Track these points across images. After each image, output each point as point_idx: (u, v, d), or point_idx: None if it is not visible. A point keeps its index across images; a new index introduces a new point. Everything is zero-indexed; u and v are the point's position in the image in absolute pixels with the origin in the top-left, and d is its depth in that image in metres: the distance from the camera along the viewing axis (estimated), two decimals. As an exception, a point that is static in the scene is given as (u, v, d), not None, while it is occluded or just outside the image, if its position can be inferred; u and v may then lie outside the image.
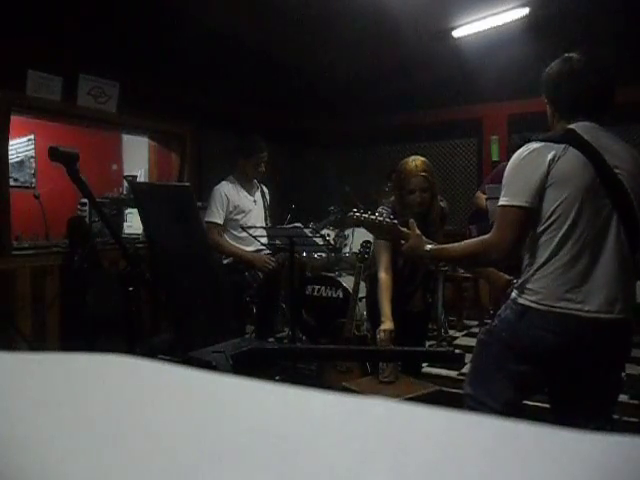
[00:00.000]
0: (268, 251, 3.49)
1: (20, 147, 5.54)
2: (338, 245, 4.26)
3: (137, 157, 5.64)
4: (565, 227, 1.51)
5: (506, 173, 1.59)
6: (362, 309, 3.31)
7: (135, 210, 3.83)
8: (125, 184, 5.11)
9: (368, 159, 6.10)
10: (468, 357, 1.86)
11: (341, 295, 3.83)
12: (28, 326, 3.53)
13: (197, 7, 3.49)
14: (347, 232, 4.44)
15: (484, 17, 3.81)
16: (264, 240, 3.38)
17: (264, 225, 3.52)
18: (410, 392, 2.33)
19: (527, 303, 1.57)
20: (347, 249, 4.36)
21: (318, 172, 6.08)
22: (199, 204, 3.23)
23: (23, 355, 0.34)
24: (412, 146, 5.39)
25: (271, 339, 3.82)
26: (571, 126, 1.57)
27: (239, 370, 1.08)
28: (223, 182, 3.46)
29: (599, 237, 1.51)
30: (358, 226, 2.35)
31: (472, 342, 3.84)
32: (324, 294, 3.94)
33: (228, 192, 3.39)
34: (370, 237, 2.90)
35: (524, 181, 1.53)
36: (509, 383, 1.61)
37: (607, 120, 1.60)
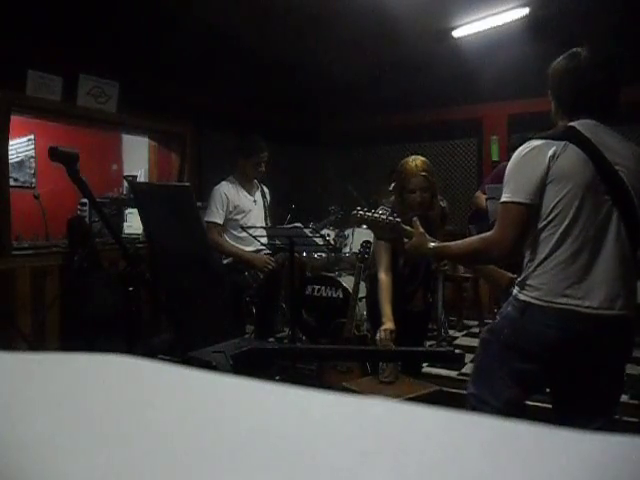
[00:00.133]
0: (268, 251, 3.49)
1: (20, 147, 5.53)
2: (338, 245, 4.26)
3: (137, 157, 5.63)
4: (565, 223, 1.51)
5: (507, 170, 1.59)
6: (362, 309, 3.31)
7: (135, 210, 3.83)
8: (125, 184, 5.12)
9: (368, 159, 6.09)
10: (468, 357, 1.87)
11: (341, 295, 3.83)
12: (28, 326, 3.52)
13: (197, 7, 3.49)
14: (347, 232, 4.43)
15: (484, 17, 3.81)
16: (264, 240, 3.38)
17: (264, 225, 3.52)
18: (410, 392, 2.33)
19: (528, 299, 1.56)
20: (347, 249, 4.36)
21: (318, 172, 6.08)
22: (199, 204, 3.23)
23: (23, 355, 0.34)
24: (412, 146, 5.38)
25: (271, 339, 3.81)
26: (572, 123, 1.57)
27: (239, 370, 1.09)
28: (223, 182, 3.46)
29: (599, 234, 1.51)
30: (361, 225, 2.35)
31: (472, 342, 3.85)
32: (324, 294, 3.93)
33: (228, 192, 3.39)
34: (370, 237, 2.90)
35: (525, 178, 1.53)
36: (511, 381, 1.61)
37: (614, 120, 1.59)
